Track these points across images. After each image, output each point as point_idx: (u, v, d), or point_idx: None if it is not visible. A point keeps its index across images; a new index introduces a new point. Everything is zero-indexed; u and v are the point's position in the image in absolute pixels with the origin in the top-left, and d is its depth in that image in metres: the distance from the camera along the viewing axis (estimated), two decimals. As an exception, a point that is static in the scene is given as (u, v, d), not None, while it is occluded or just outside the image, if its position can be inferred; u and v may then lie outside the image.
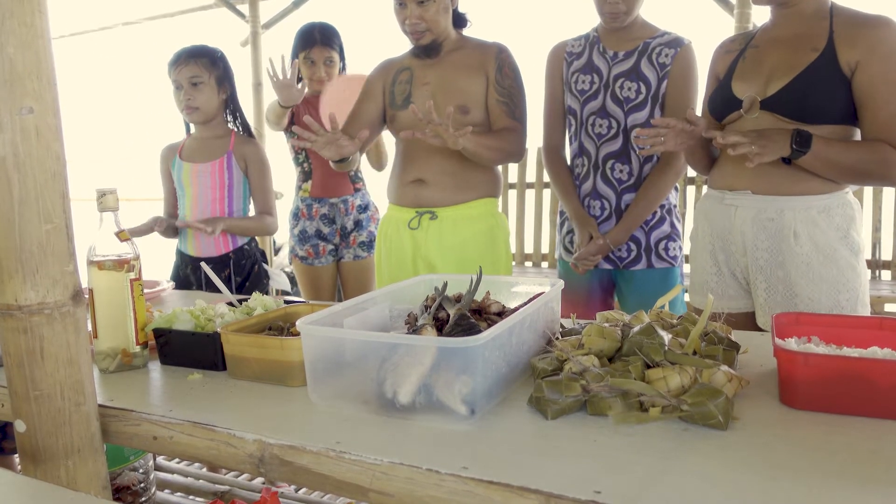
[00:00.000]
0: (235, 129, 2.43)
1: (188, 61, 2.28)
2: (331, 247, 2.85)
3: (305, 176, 2.86)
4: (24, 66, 0.89)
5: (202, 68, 2.28)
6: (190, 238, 2.37)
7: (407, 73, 2.08)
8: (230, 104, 2.41)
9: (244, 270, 2.40)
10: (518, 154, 2.03)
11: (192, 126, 2.43)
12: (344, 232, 2.84)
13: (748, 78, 1.62)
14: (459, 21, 2.06)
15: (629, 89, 1.97)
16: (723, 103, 1.66)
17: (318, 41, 2.73)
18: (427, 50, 2.02)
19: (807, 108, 1.52)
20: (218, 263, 2.35)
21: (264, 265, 2.48)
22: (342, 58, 2.83)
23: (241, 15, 4.76)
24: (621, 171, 2.01)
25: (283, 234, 3.67)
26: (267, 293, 1.72)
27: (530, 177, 4.26)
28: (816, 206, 1.56)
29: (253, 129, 2.54)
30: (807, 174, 1.54)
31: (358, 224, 2.85)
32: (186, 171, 2.35)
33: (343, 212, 2.83)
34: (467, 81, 2.00)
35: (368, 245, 2.85)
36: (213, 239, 2.34)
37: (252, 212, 2.45)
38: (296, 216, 2.88)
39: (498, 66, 2.00)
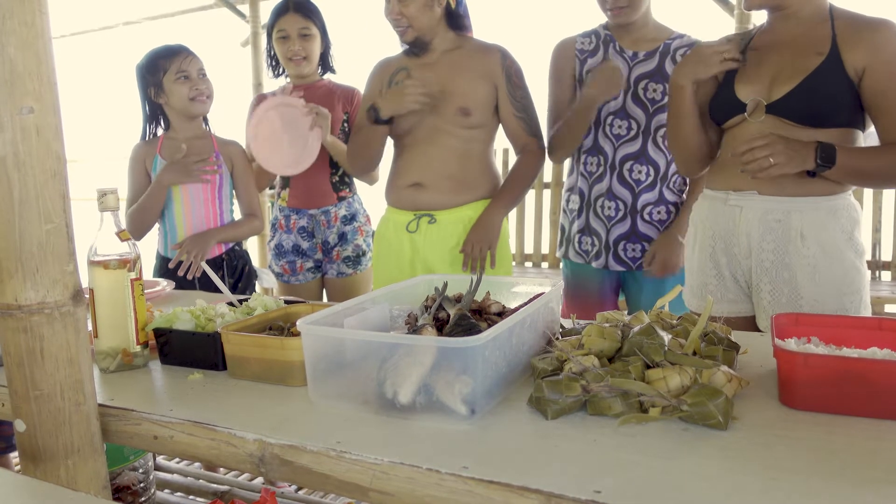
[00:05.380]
0: (210, 130, 2.39)
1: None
2: (310, 263, 2.54)
3: (284, 182, 2.54)
4: (25, 66, 0.89)
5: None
6: (181, 240, 2.32)
7: (404, 74, 2.06)
8: None
9: (237, 271, 2.38)
10: (541, 167, 2.12)
11: (159, 128, 2.36)
12: (326, 247, 2.52)
13: (751, 81, 1.60)
14: (457, 23, 2.03)
15: (654, 90, 1.96)
16: (725, 106, 1.64)
17: (290, 9, 2.38)
18: (413, 47, 2.02)
19: (815, 111, 1.51)
20: (212, 265, 2.33)
21: (253, 266, 2.46)
22: (325, 37, 2.47)
23: (242, 15, 4.77)
24: (639, 172, 2.00)
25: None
26: (254, 292, 1.70)
27: (530, 177, 4.26)
28: (824, 207, 1.55)
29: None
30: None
31: (342, 237, 2.51)
32: None
33: (325, 224, 2.49)
34: (469, 84, 1.98)
35: (355, 260, 2.53)
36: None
37: (237, 212, 2.43)
38: (273, 227, 2.59)
39: (507, 75, 1.98)
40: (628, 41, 2.01)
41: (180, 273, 2.19)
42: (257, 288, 2.64)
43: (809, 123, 1.52)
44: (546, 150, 2.07)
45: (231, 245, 2.39)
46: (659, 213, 2.02)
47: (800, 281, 1.57)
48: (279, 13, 2.40)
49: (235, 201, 2.44)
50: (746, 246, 1.63)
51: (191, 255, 2.19)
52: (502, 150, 4.11)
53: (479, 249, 1.95)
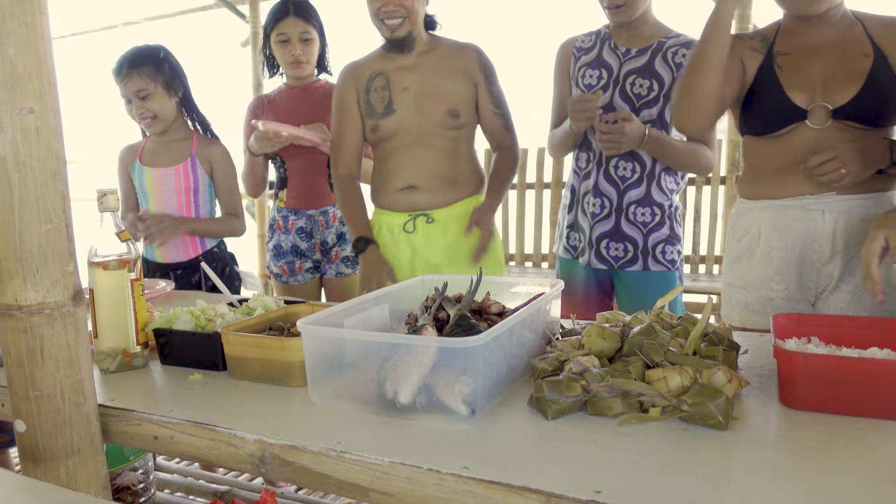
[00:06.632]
0: (196, 130, 2.34)
1: (131, 74, 2.16)
2: (309, 264, 2.54)
3: (282, 183, 2.53)
4: (25, 67, 0.89)
5: (147, 79, 2.17)
6: (155, 245, 2.29)
7: (382, 79, 2.01)
8: (185, 104, 2.30)
9: (215, 274, 2.32)
10: (519, 162, 2.15)
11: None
12: (325, 247, 2.52)
13: (800, 87, 1.57)
14: (431, 23, 2.03)
15: (641, 86, 1.95)
16: (782, 113, 1.59)
17: (291, 12, 2.35)
18: (401, 44, 1.97)
19: (880, 113, 1.52)
20: (187, 268, 2.29)
21: (236, 267, 2.40)
22: (322, 38, 2.46)
23: (241, 15, 4.77)
24: (625, 169, 1.99)
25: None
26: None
27: (530, 177, 4.26)
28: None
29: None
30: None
31: (341, 237, 2.51)
32: (149, 176, 2.27)
33: (323, 225, 2.50)
34: (453, 85, 1.98)
35: (353, 260, 2.51)
36: (182, 243, 2.27)
37: (218, 214, 2.39)
38: (271, 228, 2.58)
39: (484, 74, 2.01)
40: (624, 38, 2.01)
41: (137, 238, 2.16)
42: (242, 292, 2.63)
43: (872, 125, 1.53)
44: (518, 146, 2.12)
45: (209, 248, 2.34)
46: (643, 214, 1.99)
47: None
48: (279, 16, 2.37)
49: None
50: (830, 249, 1.59)
51: (151, 228, 2.15)
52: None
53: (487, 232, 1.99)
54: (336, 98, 2.10)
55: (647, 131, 1.88)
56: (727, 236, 1.82)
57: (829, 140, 1.54)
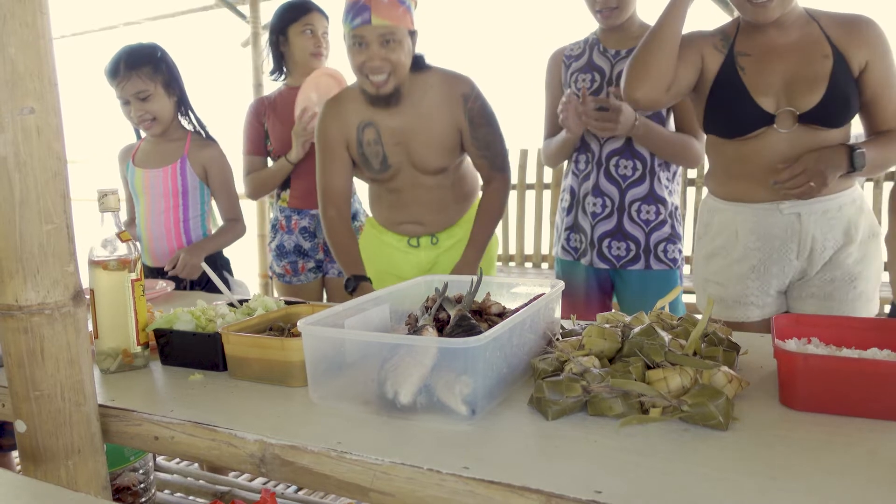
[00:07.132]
0: (191, 131, 2.30)
1: (129, 75, 2.10)
2: (312, 263, 2.54)
3: (284, 184, 2.52)
4: (26, 67, 0.90)
5: (146, 79, 2.12)
6: (145, 248, 2.27)
7: (373, 131, 1.93)
8: (181, 105, 2.25)
9: (203, 278, 2.24)
10: (507, 196, 2.08)
11: (142, 131, 2.30)
12: (327, 247, 2.49)
13: (764, 90, 1.60)
14: (417, 63, 1.92)
15: None
16: (750, 118, 1.61)
17: (314, 8, 2.40)
18: (387, 100, 1.86)
19: (842, 115, 1.57)
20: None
21: (224, 273, 2.35)
22: None
23: (242, 15, 4.76)
24: (626, 167, 1.99)
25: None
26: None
27: (530, 178, 4.26)
28: (857, 196, 1.65)
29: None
30: None
31: None
32: (139, 177, 2.24)
33: None
34: (444, 136, 1.93)
35: None
36: (170, 247, 2.24)
37: (216, 213, 2.36)
38: (274, 228, 2.58)
39: (469, 119, 1.92)
40: (613, 41, 2.02)
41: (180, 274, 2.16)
42: None
43: (835, 125, 1.57)
44: (509, 181, 2.06)
45: None
46: (648, 212, 2.00)
47: (852, 266, 1.63)
48: (304, 10, 2.40)
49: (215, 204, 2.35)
50: (808, 247, 1.65)
51: (184, 270, 2.13)
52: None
53: None
54: (321, 138, 2.00)
55: (636, 116, 1.89)
56: (698, 231, 1.85)
57: (795, 143, 1.58)
